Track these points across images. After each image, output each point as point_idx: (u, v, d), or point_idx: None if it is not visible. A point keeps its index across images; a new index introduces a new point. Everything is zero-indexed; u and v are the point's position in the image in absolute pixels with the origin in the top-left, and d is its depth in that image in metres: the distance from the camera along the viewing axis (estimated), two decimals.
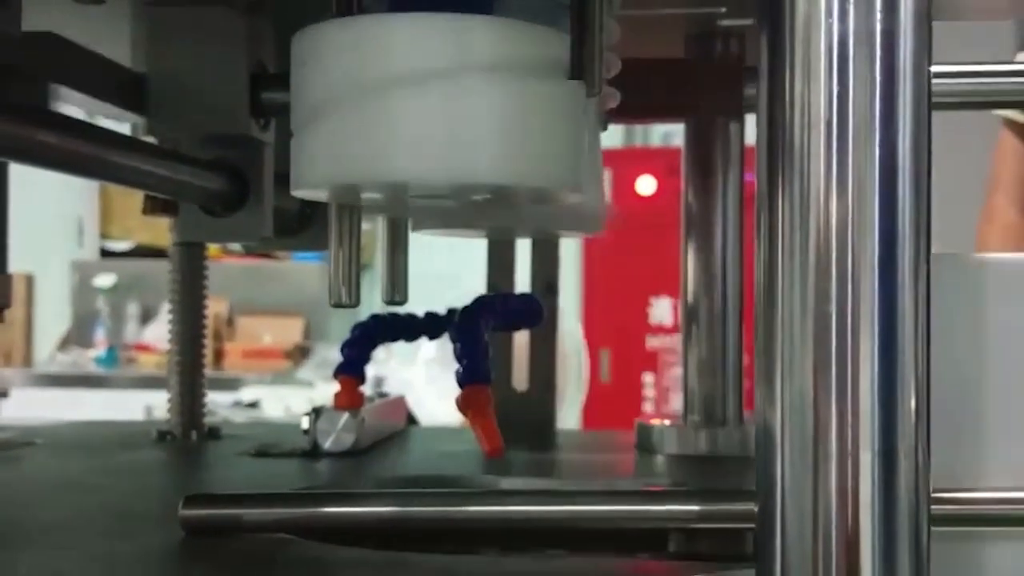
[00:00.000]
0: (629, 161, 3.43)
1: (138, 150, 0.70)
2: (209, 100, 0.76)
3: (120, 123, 0.80)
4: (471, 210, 0.67)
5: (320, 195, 0.58)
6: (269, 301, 4.31)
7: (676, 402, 2.99)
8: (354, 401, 0.91)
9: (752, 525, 0.43)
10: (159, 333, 3.99)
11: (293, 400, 3.12)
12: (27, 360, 4.39)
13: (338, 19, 0.53)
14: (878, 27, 0.39)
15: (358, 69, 0.52)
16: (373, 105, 0.52)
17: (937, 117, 0.45)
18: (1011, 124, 1.55)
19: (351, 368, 0.91)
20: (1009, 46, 1.88)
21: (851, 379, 0.39)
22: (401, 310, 0.91)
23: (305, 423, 0.90)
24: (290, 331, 4.26)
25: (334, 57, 0.53)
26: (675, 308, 3.40)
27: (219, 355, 4.05)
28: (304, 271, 4.31)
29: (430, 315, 0.94)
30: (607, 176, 3.24)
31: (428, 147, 0.51)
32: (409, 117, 0.51)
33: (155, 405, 2.73)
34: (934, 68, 0.41)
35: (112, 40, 0.84)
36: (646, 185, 3.28)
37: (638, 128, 4.26)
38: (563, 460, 0.99)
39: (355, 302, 0.66)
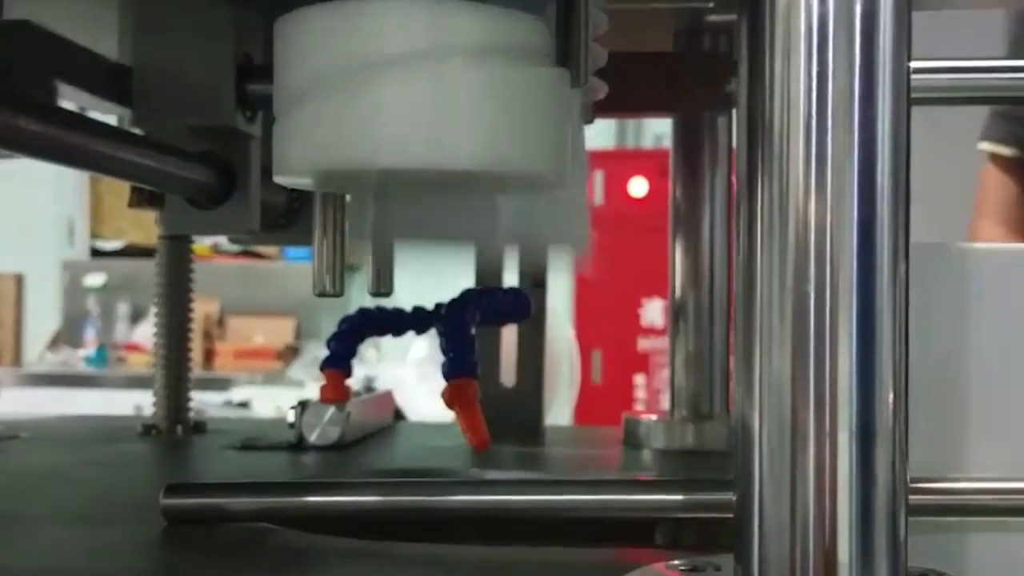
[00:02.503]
0: (621, 162, 3.42)
1: (124, 141, 0.69)
2: (195, 92, 0.76)
3: (106, 114, 0.80)
4: (450, 214, 0.67)
5: (303, 182, 0.58)
6: (260, 301, 4.31)
7: (667, 403, 2.99)
8: (340, 395, 0.91)
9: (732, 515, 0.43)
10: (150, 333, 3.99)
11: (284, 400, 3.11)
12: (17, 360, 4.39)
13: (321, 4, 0.53)
14: (858, 8, 0.39)
15: (341, 54, 0.52)
16: (356, 91, 0.51)
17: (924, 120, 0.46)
18: (995, 158, 1.65)
19: (337, 361, 0.91)
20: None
21: (829, 359, 0.39)
22: (388, 304, 0.91)
23: (291, 416, 0.90)
24: (281, 331, 4.25)
25: (316, 42, 0.53)
26: (667, 310, 3.40)
27: (210, 355, 4.05)
28: (295, 271, 4.30)
29: (417, 309, 0.94)
30: (599, 177, 3.25)
31: (411, 133, 0.51)
32: (392, 103, 0.51)
33: (144, 404, 2.73)
34: (915, 64, 0.41)
35: (98, 31, 0.84)
36: (638, 187, 3.28)
37: (630, 130, 4.27)
38: (550, 454, 0.99)
39: (339, 291, 0.65)
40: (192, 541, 0.57)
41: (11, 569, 0.53)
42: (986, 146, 1.65)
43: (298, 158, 0.54)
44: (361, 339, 0.92)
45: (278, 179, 0.56)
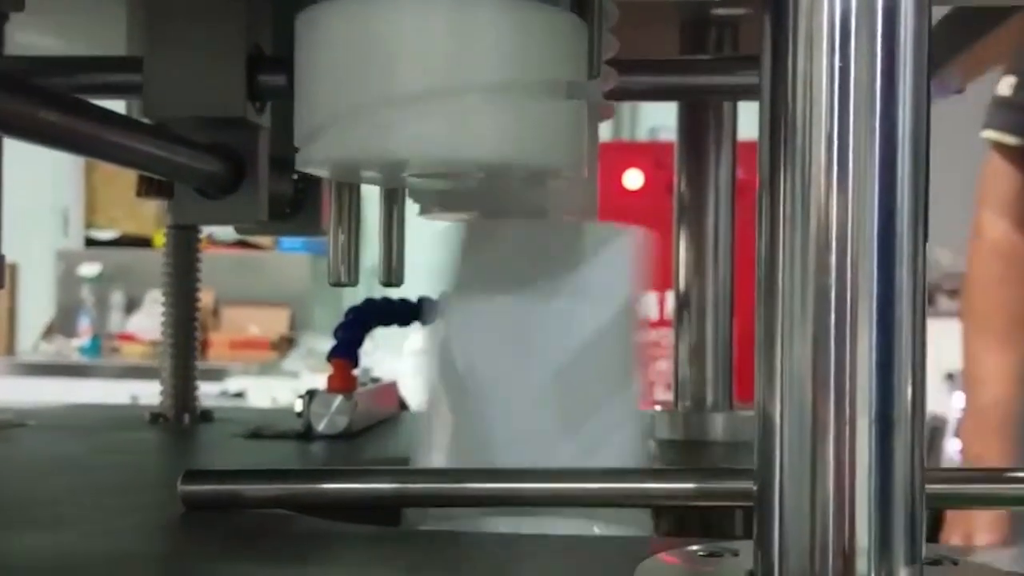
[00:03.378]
0: (616, 155, 3.43)
1: (136, 130, 0.70)
2: (205, 83, 0.76)
3: (116, 104, 0.80)
4: (469, 192, 0.68)
5: (321, 172, 0.59)
6: (255, 292, 4.31)
7: (660, 395, 3.00)
8: (347, 384, 0.91)
9: (747, 503, 0.44)
10: (143, 323, 4.00)
11: (279, 391, 3.12)
12: (10, 349, 4.39)
13: None
14: (880, 3, 0.39)
15: (360, 48, 0.52)
16: (376, 84, 0.52)
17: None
18: (998, 146, 1.62)
19: (344, 351, 0.91)
20: None
21: (849, 349, 0.40)
22: (395, 295, 0.91)
23: (299, 405, 0.91)
24: (276, 322, 4.26)
25: (337, 36, 0.53)
26: (661, 302, 3.41)
27: (205, 346, 4.05)
28: (290, 262, 4.31)
29: (423, 300, 0.94)
30: None
31: (430, 125, 0.52)
32: (411, 96, 0.52)
33: (140, 394, 2.74)
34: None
35: (109, 22, 0.84)
36: (633, 179, 3.29)
37: (626, 122, 4.28)
38: None
39: (354, 281, 0.66)
40: (210, 526, 0.58)
41: (36, 551, 0.53)
42: (990, 134, 1.64)
43: (318, 149, 0.55)
44: (368, 329, 0.93)
45: (300, 168, 0.57)
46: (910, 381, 0.40)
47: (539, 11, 0.53)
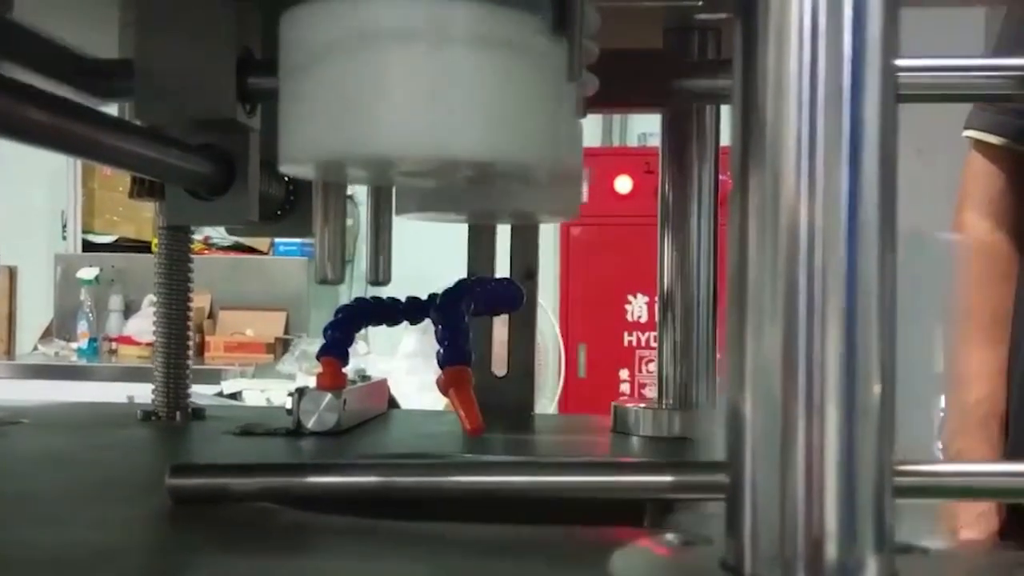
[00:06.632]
0: (607, 161, 3.46)
1: (128, 132, 0.71)
2: (196, 86, 0.77)
3: (108, 107, 0.81)
4: (453, 192, 0.69)
5: (307, 171, 0.60)
6: (251, 295, 4.32)
7: (652, 394, 3.01)
8: (337, 382, 0.92)
9: (722, 496, 0.45)
10: (141, 326, 4.00)
11: (274, 393, 3.13)
12: (9, 351, 4.40)
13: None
14: (847, 2, 0.41)
15: (344, 48, 0.53)
16: (359, 83, 0.53)
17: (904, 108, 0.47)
18: (979, 145, 1.63)
19: (334, 350, 0.92)
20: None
21: (818, 343, 0.41)
22: (384, 296, 0.93)
23: (288, 403, 0.92)
24: (271, 325, 4.26)
25: (321, 36, 0.54)
26: (651, 305, 3.42)
27: (201, 348, 4.06)
28: (286, 265, 4.32)
29: (412, 300, 0.96)
30: (585, 174, 3.28)
31: (412, 124, 0.53)
32: (394, 94, 0.53)
33: (137, 396, 2.73)
34: (903, 62, 0.43)
35: (100, 25, 0.85)
36: (623, 184, 3.32)
37: (616, 128, 4.31)
38: (541, 441, 1.01)
39: (340, 279, 0.67)
40: (197, 520, 0.59)
41: (28, 543, 0.54)
42: (972, 134, 1.63)
43: (301, 148, 0.56)
44: (358, 328, 0.94)
45: (283, 169, 0.58)
46: (878, 375, 0.41)
47: (519, 14, 0.54)
